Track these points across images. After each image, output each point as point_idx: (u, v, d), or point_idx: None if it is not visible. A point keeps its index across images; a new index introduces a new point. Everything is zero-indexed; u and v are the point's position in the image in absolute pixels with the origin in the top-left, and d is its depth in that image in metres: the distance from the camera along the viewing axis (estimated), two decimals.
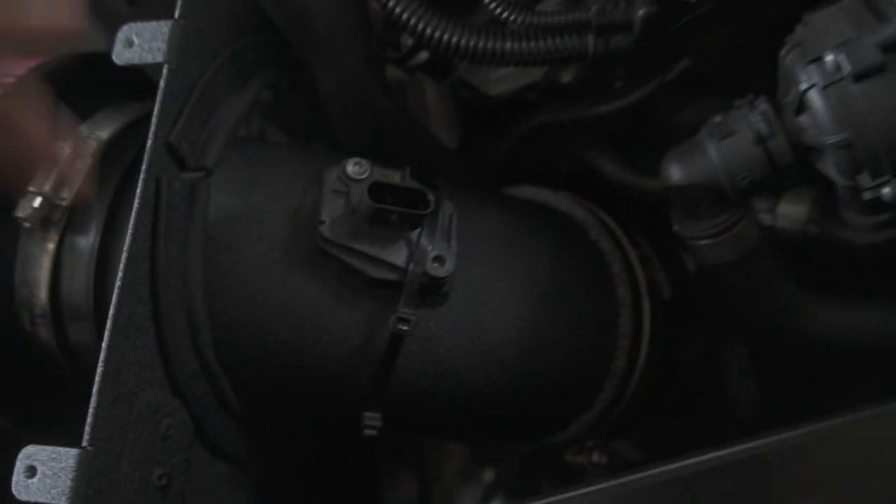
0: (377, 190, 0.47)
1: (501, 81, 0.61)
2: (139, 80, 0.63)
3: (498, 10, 0.49)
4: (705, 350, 0.70)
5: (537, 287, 0.54)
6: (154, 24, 0.48)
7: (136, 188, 0.51)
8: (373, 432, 0.51)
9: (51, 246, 0.52)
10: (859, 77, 0.42)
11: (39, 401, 0.57)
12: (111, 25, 0.92)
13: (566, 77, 0.60)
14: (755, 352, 0.69)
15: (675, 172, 0.50)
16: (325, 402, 0.52)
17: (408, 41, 0.57)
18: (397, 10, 0.50)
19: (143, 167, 0.45)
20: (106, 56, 0.60)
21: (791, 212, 0.57)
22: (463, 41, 0.50)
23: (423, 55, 0.58)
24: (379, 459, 0.69)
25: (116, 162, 0.53)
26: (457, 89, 0.64)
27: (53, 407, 0.58)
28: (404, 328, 0.47)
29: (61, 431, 0.43)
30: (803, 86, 0.44)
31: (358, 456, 0.62)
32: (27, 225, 0.51)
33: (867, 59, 0.42)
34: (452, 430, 0.55)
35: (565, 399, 0.58)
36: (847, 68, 0.42)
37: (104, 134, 0.54)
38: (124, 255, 0.44)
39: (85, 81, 0.57)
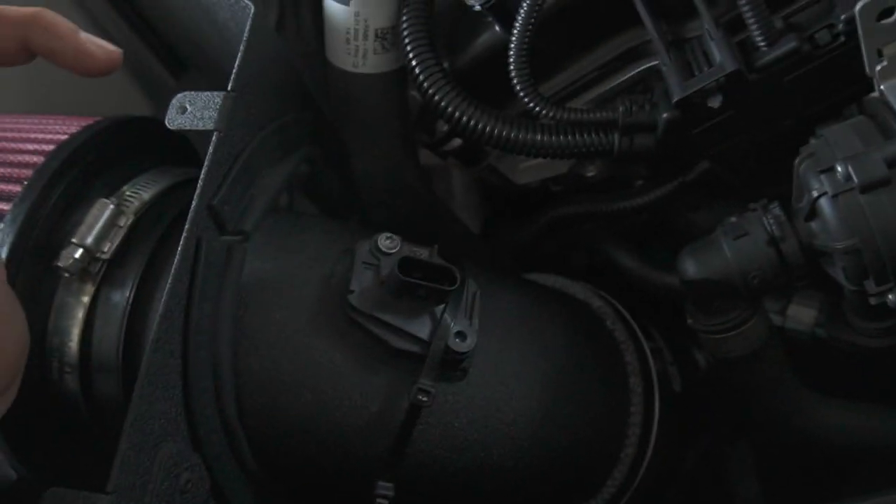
0: (406, 264, 0.49)
1: (529, 171, 0.64)
2: (179, 146, 0.67)
3: (531, 105, 0.52)
4: (711, 447, 0.71)
5: (552, 369, 0.55)
6: (207, 94, 0.51)
7: (172, 248, 0.54)
8: (385, 502, 0.52)
9: (86, 298, 0.54)
10: (866, 188, 0.45)
11: (58, 449, 0.58)
12: (156, 96, 0.98)
13: (590, 171, 0.63)
14: (759, 451, 0.70)
15: (691, 267, 0.52)
16: (341, 468, 0.52)
17: (443, 127, 0.61)
18: (436, 97, 0.53)
19: (186, 227, 0.47)
20: (150, 121, 0.63)
21: (800, 314, 0.59)
22: (496, 130, 0.53)
23: (457, 142, 0.61)
24: None
25: (156, 222, 0.56)
26: (485, 176, 0.66)
27: (70, 457, 0.59)
28: (424, 399, 0.48)
29: (75, 482, 0.44)
30: (815, 193, 0.47)
31: None
32: (66, 275, 0.53)
33: (874, 173, 0.44)
34: None
35: (573, 483, 0.58)
36: (855, 179, 0.45)
37: (146, 195, 0.57)
38: (161, 309, 0.46)
39: (130, 144, 0.60)
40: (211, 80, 0.76)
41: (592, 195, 0.64)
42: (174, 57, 0.97)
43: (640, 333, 0.63)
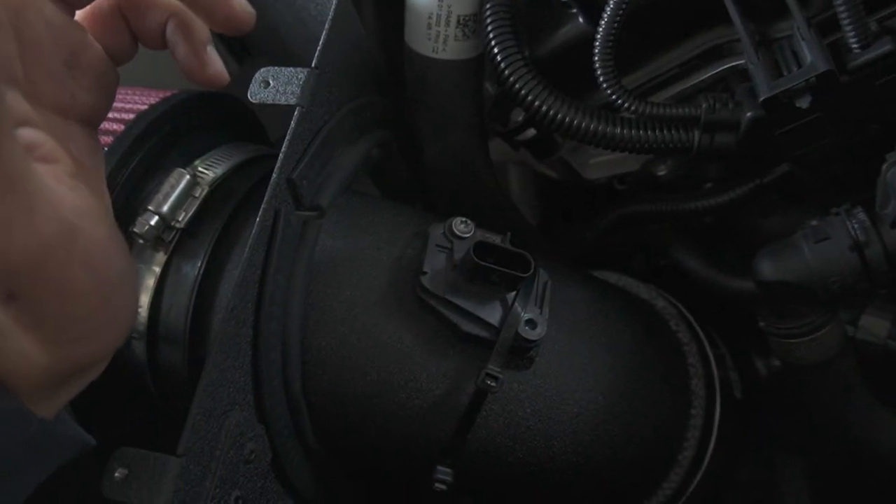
0: (482, 248, 0.49)
1: (599, 167, 0.64)
2: (249, 124, 0.68)
3: (614, 97, 0.52)
4: (765, 460, 0.70)
5: (617, 366, 0.55)
6: (290, 69, 0.51)
7: (244, 222, 0.55)
8: (443, 487, 0.51)
9: (157, 267, 0.54)
10: None
11: (120, 416, 0.58)
12: None
13: (661, 170, 0.62)
14: (816, 464, 0.69)
15: (768, 269, 0.51)
16: (401, 450, 0.52)
17: (518, 117, 0.60)
18: (517, 86, 0.53)
19: (266, 197, 0.47)
20: (224, 97, 0.64)
21: (873, 326, 0.58)
22: (576, 121, 0.53)
23: (531, 132, 0.61)
24: None
25: (229, 195, 0.56)
26: (557, 170, 0.66)
27: (131, 424, 0.60)
28: (492, 385, 0.48)
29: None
30: None
31: None
32: (140, 241, 0.53)
33: None
34: (517, 498, 0.56)
35: (631, 482, 0.58)
36: None
37: (220, 168, 0.57)
38: (238, 277, 0.46)
39: (204, 118, 0.60)
40: (276, 65, 0.77)
41: (665, 195, 0.63)
42: (239, 41, 0.98)
43: (703, 337, 0.62)
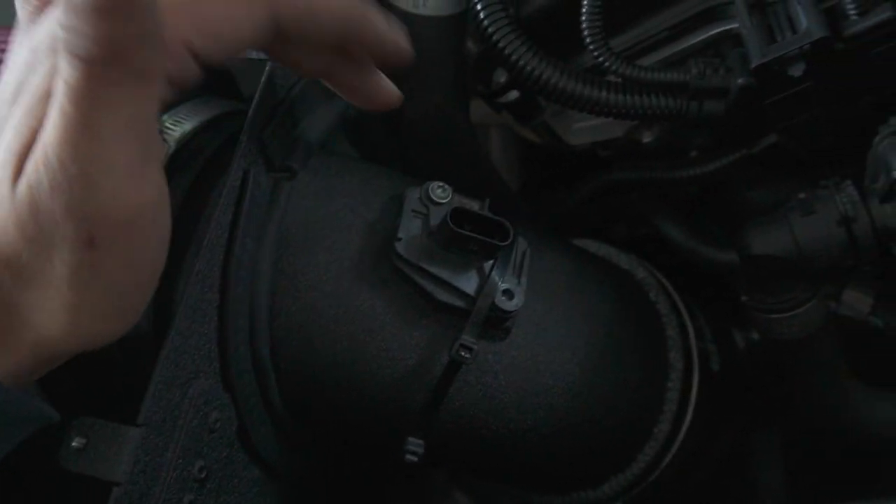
0: (459, 215, 0.47)
1: (583, 132, 0.62)
2: (220, 79, 0.65)
3: (601, 59, 0.49)
4: (740, 432, 0.70)
5: (594, 337, 0.54)
6: None
7: (212, 181, 0.52)
8: (414, 459, 0.50)
9: None
10: None
11: (81, 384, 0.56)
12: None
13: (647, 137, 0.60)
14: (790, 439, 0.68)
15: (755, 243, 0.50)
16: (371, 421, 0.51)
17: (500, 78, 0.58)
18: (500, 44, 0.51)
19: (235, 158, 0.45)
20: None
21: (855, 301, 0.56)
22: (560, 84, 0.51)
23: (514, 94, 0.59)
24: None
25: (197, 153, 0.53)
26: (539, 134, 0.64)
27: (93, 393, 0.58)
28: (466, 356, 0.47)
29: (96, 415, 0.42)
30: (895, 174, 0.45)
31: (389, 485, 0.61)
32: None
33: None
34: (490, 470, 0.55)
35: (605, 455, 0.57)
36: None
37: (188, 125, 0.55)
38: (205, 241, 0.44)
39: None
40: None
41: (647, 162, 0.62)
42: None
43: (682, 308, 0.61)
